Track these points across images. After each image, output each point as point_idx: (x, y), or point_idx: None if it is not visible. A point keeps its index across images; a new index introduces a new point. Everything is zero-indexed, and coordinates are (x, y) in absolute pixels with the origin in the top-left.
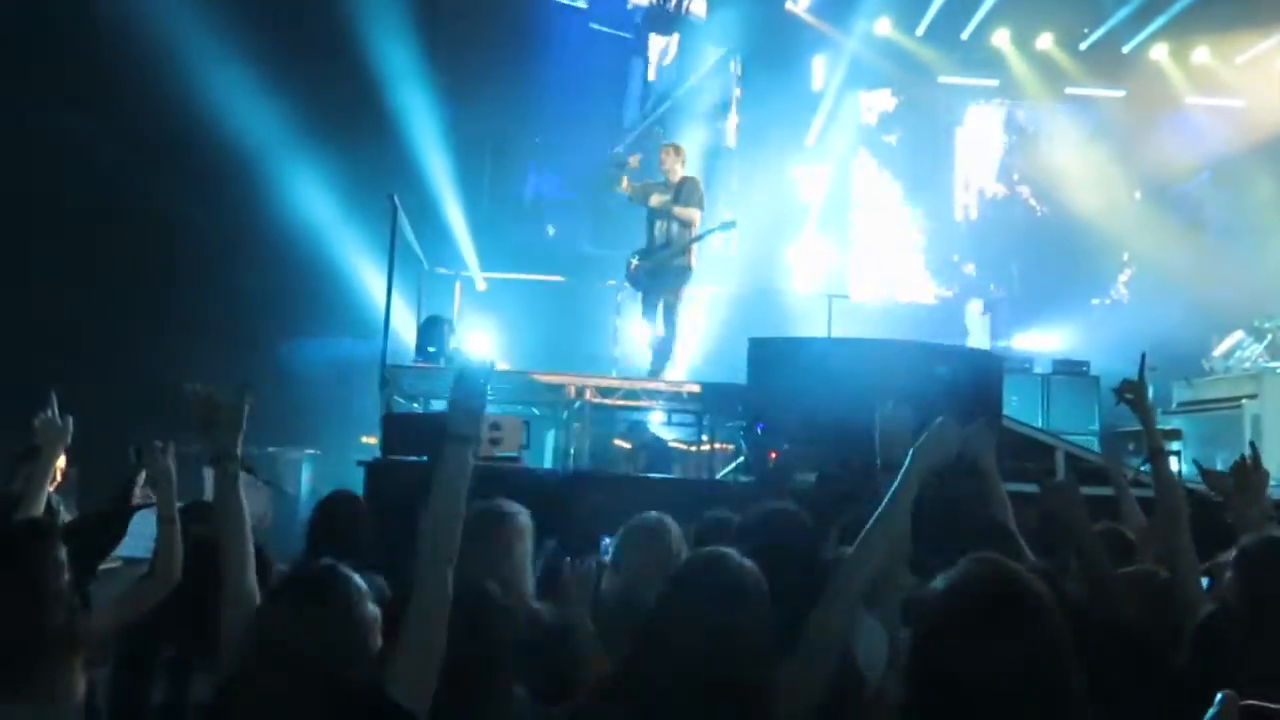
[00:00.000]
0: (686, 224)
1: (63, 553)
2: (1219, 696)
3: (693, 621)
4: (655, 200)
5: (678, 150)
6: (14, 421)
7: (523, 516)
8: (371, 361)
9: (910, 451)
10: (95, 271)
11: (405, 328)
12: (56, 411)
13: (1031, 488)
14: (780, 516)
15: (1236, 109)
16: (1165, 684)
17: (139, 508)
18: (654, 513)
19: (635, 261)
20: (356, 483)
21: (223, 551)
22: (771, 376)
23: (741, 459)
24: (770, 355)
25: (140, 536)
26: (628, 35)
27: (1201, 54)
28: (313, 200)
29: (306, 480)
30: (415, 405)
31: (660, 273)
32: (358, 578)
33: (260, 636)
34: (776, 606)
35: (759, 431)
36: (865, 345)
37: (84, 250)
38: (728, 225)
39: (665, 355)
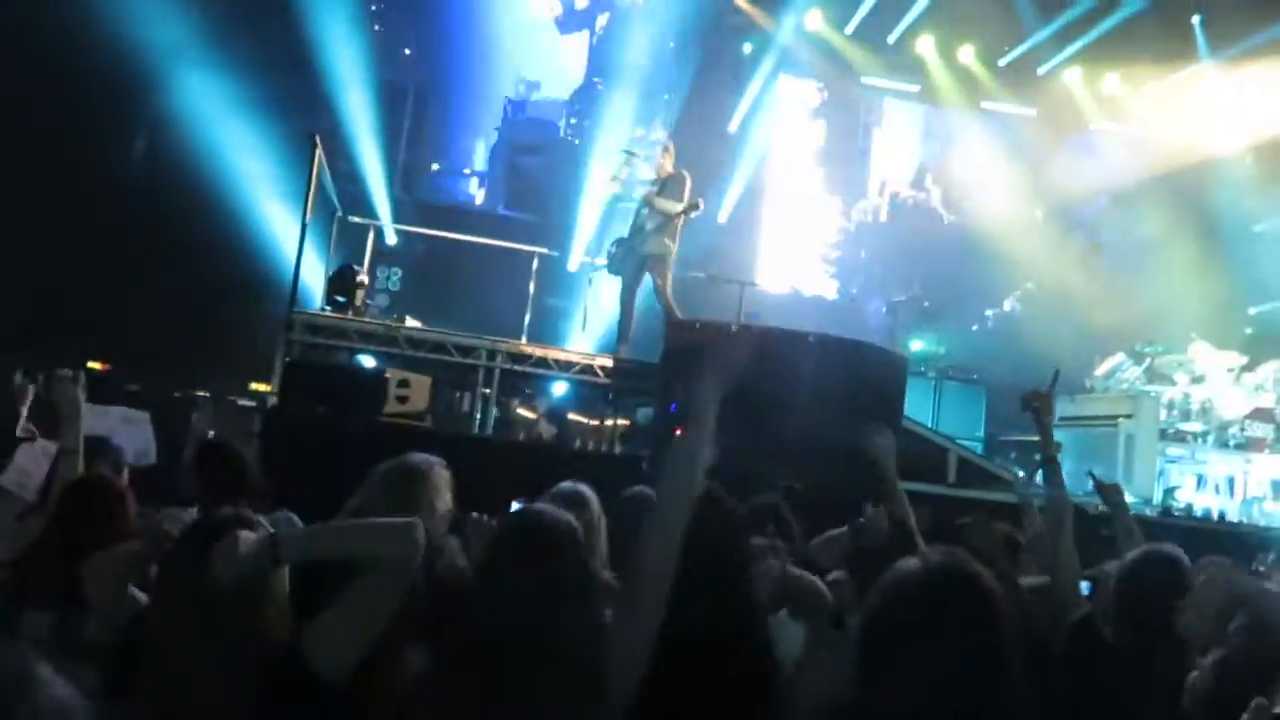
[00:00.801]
0: (663, 214)
1: None
2: (1253, 703)
3: (513, 575)
4: (640, 192)
5: (668, 149)
6: None
7: (441, 468)
8: (274, 305)
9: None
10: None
11: (311, 274)
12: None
13: (926, 487)
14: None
15: (1138, 138)
16: (1042, 678)
17: (24, 440)
18: (571, 483)
19: (612, 249)
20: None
21: None
22: (686, 358)
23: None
24: (687, 338)
25: (19, 471)
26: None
27: (1112, 81)
28: (221, 129)
29: (197, 422)
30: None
31: (629, 257)
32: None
33: (165, 590)
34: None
35: (672, 411)
36: (788, 336)
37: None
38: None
39: (623, 333)
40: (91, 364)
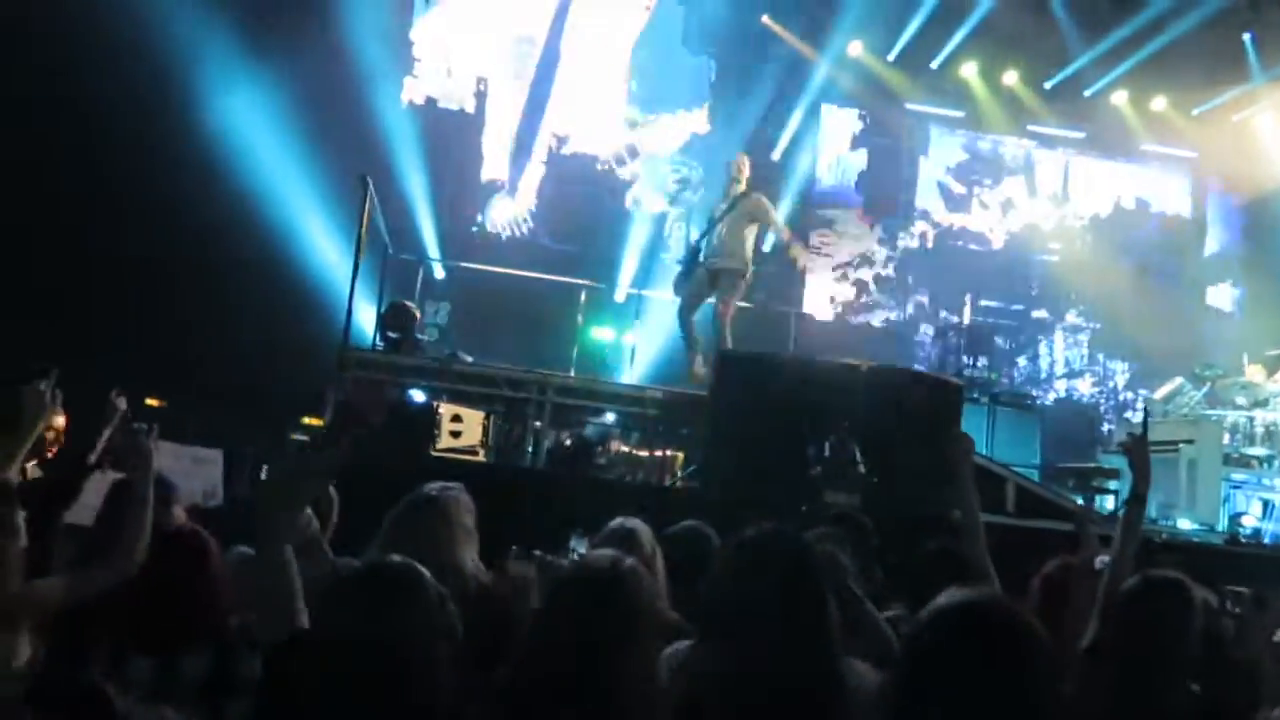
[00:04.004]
0: (744, 237)
1: (18, 518)
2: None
3: (563, 626)
4: (718, 210)
5: (746, 160)
6: None
7: (459, 495)
8: (319, 344)
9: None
10: (85, 254)
11: (363, 311)
12: (51, 387)
13: (984, 517)
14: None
15: (1189, 159)
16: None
17: (98, 467)
18: (621, 519)
19: (681, 266)
20: None
21: None
22: (738, 390)
23: (694, 467)
24: (739, 369)
25: (86, 506)
26: None
27: (1159, 103)
28: (277, 176)
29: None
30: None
31: (693, 274)
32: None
33: (334, 633)
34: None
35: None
36: (838, 368)
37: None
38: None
39: (694, 347)
40: (149, 400)
